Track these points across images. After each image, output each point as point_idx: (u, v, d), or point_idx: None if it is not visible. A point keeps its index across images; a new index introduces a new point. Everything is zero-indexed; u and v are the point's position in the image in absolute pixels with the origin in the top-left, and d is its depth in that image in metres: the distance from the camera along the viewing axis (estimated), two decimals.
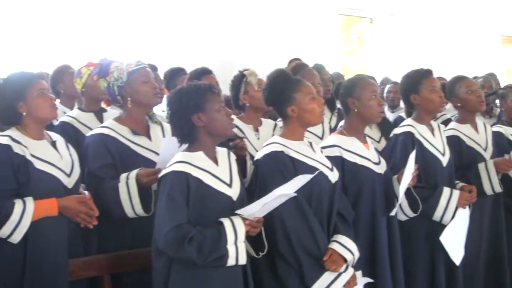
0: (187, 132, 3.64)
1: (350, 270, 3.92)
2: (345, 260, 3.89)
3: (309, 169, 3.90)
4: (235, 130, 4.62)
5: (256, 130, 4.89)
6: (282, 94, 4.01)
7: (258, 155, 4.03)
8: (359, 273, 4.08)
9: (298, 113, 3.97)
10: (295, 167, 3.90)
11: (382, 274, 4.33)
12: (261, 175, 3.93)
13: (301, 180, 3.62)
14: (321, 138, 5.11)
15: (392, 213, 4.38)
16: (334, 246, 3.90)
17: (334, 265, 3.84)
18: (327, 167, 4.05)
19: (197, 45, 8.50)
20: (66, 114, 5.00)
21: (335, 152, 4.32)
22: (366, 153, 4.40)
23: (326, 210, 3.98)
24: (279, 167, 3.88)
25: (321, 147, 4.32)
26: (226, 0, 8.94)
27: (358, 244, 4.05)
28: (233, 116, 4.75)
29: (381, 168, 4.45)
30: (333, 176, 4.06)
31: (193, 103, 3.59)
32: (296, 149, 3.97)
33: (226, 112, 3.67)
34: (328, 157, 4.20)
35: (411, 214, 4.59)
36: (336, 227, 4.02)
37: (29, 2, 7.44)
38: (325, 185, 3.97)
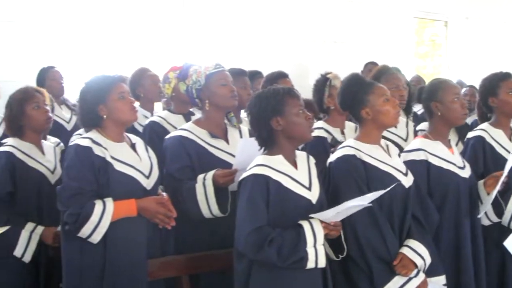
0: (266, 136, 3.66)
1: (421, 276, 3.87)
2: (416, 265, 3.85)
3: (381, 174, 3.90)
4: (325, 134, 4.70)
5: (342, 132, 4.89)
6: (356, 97, 4.00)
7: (331, 158, 4.02)
8: (442, 278, 4.05)
9: (372, 115, 3.95)
10: (366, 171, 3.88)
11: (466, 280, 4.28)
12: (333, 179, 3.92)
13: (376, 194, 3.60)
14: (405, 140, 5.08)
15: (479, 215, 4.34)
16: (405, 250, 3.87)
17: (404, 270, 3.80)
18: (401, 172, 4.02)
19: (273, 49, 8.52)
20: (156, 114, 5.09)
21: (420, 156, 4.28)
22: (451, 157, 4.36)
23: (399, 215, 3.95)
24: (351, 171, 3.87)
25: (406, 150, 4.32)
26: (301, 5, 8.93)
27: (442, 248, 4.02)
28: (320, 121, 4.80)
29: (466, 173, 4.40)
30: (407, 181, 4.02)
31: (272, 107, 3.60)
32: (369, 153, 3.95)
33: (305, 115, 3.66)
34: (414, 161, 4.19)
35: (496, 219, 4.52)
36: (409, 231, 3.99)
37: (107, 8, 7.54)
38: (399, 190, 3.93)
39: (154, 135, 4.85)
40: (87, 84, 4.02)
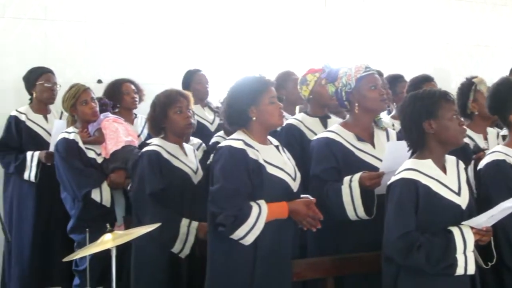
0: (416, 138, 3.63)
1: None
2: None
3: None
4: (467, 140, 4.58)
5: (485, 139, 4.80)
6: (506, 102, 3.92)
7: (480, 164, 3.98)
8: None
9: None
10: None
11: None
12: (484, 184, 3.87)
13: None
14: None
15: None
16: None
17: None
18: None
19: (414, 53, 8.42)
20: (293, 117, 5.14)
21: None
22: None
23: None
24: (501, 175, 3.82)
25: None
26: (443, 8, 8.79)
27: None
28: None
29: None
30: None
31: (426, 110, 3.57)
32: None
33: (459, 121, 3.62)
34: None
35: None
36: None
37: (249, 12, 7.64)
38: None
39: (291, 138, 4.87)
40: (239, 84, 4.09)
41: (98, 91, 6.29)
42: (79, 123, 5.49)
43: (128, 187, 5.23)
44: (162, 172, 4.57)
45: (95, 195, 5.29)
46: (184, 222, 4.50)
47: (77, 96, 5.40)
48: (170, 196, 4.57)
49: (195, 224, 4.50)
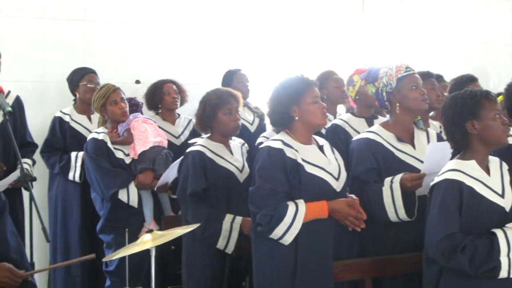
0: (459, 139, 3.61)
1: None
2: None
3: None
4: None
5: None
6: None
7: None
8: None
9: None
10: None
11: None
12: None
13: None
14: None
15: None
16: None
17: None
18: None
19: (451, 52, 8.35)
20: (338, 117, 5.14)
21: None
22: None
23: None
24: None
25: None
26: (481, 6, 8.70)
27: None
28: None
29: None
30: None
31: (468, 110, 3.55)
32: None
33: (502, 120, 3.58)
34: None
35: None
36: None
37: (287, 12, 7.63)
38: None
39: (336, 138, 4.88)
40: (282, 84, 4.10)
41: (136, 92, 6.35)
42: (109, 123, 5.50)
43: (155, 188, 5.30)
44: (206, 172, 4.61)
45: (122, 195, 5.31)
46: (228, 218, 4.52)
47: (107, 96, 5.41)
48: (214, 195, 4.61)
49: (239, 219, 4.52)
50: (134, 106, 5.73)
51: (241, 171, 4.74)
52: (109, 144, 5.39)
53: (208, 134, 4.81)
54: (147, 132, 5.48)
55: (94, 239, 5.66)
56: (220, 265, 4.61)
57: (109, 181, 5.30)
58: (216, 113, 4.67)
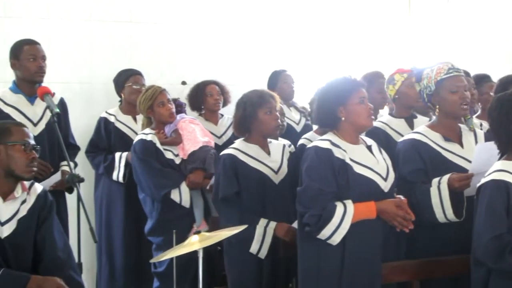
0: (506, 141, 3.58)
1: None
2: None
3: None
4: None
5: None
6: None
7: None
8: None
9: None
10: None
11: None
12: None
13: None
14: None
15: None
16: None
17: None
18: None
19: (499, 52, 8.25)
20: (378, 120, 5.09)
21: None
22: None
23: None
24: None
25: None
26: None
27: None
28: None
29: None
30: None
31: None
32: None
33: None
34: None
35: None
36: None
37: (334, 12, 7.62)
38: None
39: (377, 141, 4.81)
40: (329, 85, 4.10)
41: (182, 93, 6.38)
42: (155, 124, 5.50)
43: (207, 187, 5.29)
44: (237, 175, 4.58)
45: (174, 195, 5.32)
46: (262, 222, 4.50)
47: (154, 98, 5.41)
48: (247, 198, 4.59)
49: (273, 224, 4.50)
50: (178, 107, 5.77)
51: (276, 172, 4.68)
52: (158, 145, 5.40)
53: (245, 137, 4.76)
54: (195, 132, 5.51)
55: (139, 239, 5.72)
56: (257, 269, 4.57)
57: (161, 182, 5.31)
58: (256, 113, 4.63)
